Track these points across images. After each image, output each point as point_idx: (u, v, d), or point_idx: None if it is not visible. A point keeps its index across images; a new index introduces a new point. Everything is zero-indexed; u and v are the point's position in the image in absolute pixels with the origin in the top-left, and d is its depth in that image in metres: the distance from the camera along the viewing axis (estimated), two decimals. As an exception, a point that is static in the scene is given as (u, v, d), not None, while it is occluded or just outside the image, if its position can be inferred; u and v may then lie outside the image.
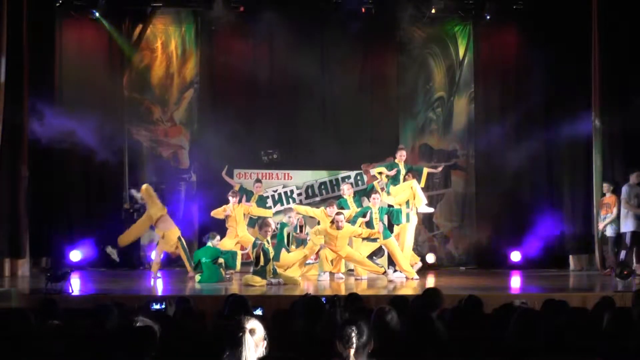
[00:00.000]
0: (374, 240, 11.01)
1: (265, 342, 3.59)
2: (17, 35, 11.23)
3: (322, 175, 13.03)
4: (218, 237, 11.02)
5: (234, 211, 11.44)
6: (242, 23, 13.22)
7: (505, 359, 4.27)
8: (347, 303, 6.07)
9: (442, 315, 5.81)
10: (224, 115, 12.96)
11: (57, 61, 12.64)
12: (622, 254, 11.29)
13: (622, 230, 11.43)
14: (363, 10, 13.25)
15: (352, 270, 11.52)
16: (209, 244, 10.83)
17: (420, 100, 13.81)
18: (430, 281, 11.25)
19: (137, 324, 4.01)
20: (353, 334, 3.59)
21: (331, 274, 10.94)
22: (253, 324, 3.57)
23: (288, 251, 11.14)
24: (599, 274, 11.87)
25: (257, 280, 10.03)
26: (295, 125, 13.22)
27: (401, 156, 11.70)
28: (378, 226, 10.92)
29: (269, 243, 10.39)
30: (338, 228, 10.67)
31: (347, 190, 11.81)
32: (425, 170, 11.88)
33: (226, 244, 11.26)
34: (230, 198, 11.56)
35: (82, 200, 12.75)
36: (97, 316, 5.23)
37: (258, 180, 12.25)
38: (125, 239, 11.57)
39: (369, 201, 11.38)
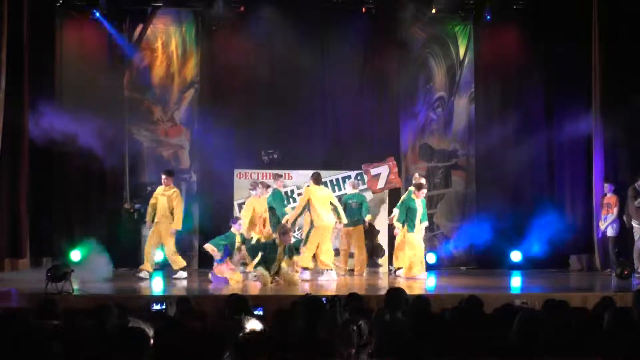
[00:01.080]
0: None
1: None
2: (17, 35, 11.22)
3: (322, 175, 12.98)
4: (240, 222, 11.04)
5: (259, 203, 11.53)
6: (242, 23, 13.21)
7: (505, 359, 4.27)
8: (347, 303, 6.07)
9: (443, 315, 5.82)
10: (225, 115, 12.95)
11: (57, 61, 12.63)
12: None
13: None
14: (364, 10, 13.25)
15: (352, 270, 11.53)
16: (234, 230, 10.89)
17: (421, 100, 13.80)
18: (431, 281, 11.25)
19: (129, 325, 3.97)
20: (353, 334, 3.59)
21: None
22: (253, 324, 3.57)
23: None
24: (599, 274, 11.88)
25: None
26: (296, 125, 13.21)
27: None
28: (418, 220, 11.20)
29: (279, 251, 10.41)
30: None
31: (350, 187, 11.91)
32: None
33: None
34: (251, 191, 11.64)
35: (83, 200, 12.74)
36: (97, 316, 5.22)
37: (278, 176, 12.07)
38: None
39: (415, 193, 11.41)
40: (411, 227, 11.20)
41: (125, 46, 13.03)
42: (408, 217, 11.20)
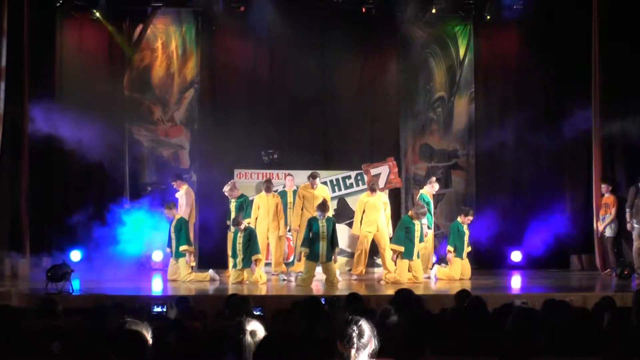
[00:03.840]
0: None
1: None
2: (17, 35, 11.22)
3: (322, 175, 12.97)
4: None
5: (268, 202, 11.51)
6: (242, 23, 13.21)
7: (505, 358, 4.27)
8: (347, 303, 6.07)
9: (444, 314, 5.81)
10: (225, 115, 12.97)
11: (57, 61, 12.64)
12: None
13: None
14: (363, 10, 13.25)
15: (350, 270, 11.54)
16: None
17: (421, 100, 13.79)
18: (431, 281, 11.25)
19: (126, 327, 3.93)
20: (354, 334, 3.58)
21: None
22: (254, 325, 3.56)
23: None
24: (599, 274, 11.88)
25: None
26: (296, 125, 13.21)
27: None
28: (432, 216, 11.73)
29: None
30: (312, 187, 11.43)
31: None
32: None
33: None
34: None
35: (83, 200, 12.72)
36: (97, 316, 5.22)
37: (289, 174, 12.06)
38: None
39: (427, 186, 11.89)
40: (431, 223, 11.64)
41: (125, 46, 13.02)
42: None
